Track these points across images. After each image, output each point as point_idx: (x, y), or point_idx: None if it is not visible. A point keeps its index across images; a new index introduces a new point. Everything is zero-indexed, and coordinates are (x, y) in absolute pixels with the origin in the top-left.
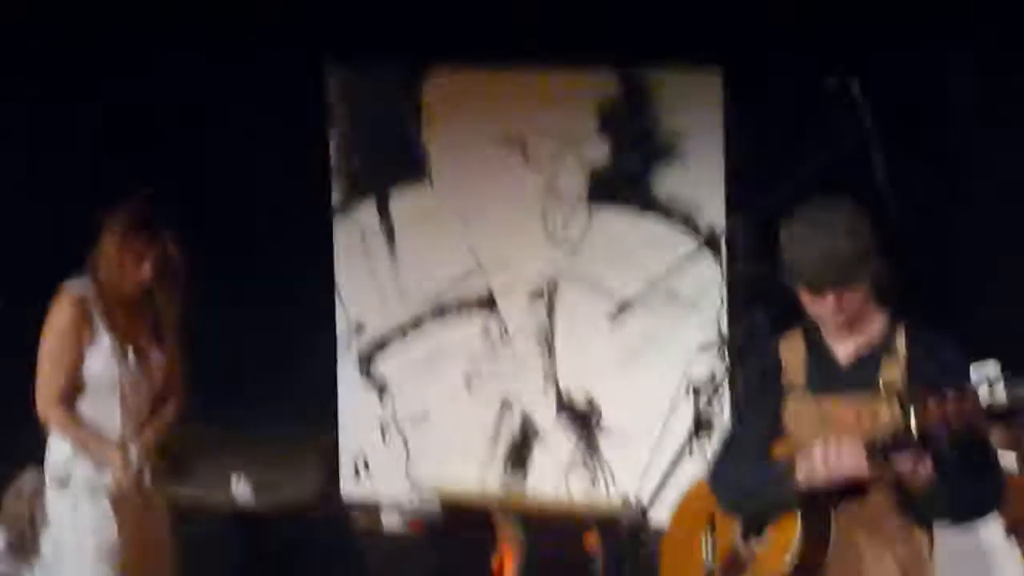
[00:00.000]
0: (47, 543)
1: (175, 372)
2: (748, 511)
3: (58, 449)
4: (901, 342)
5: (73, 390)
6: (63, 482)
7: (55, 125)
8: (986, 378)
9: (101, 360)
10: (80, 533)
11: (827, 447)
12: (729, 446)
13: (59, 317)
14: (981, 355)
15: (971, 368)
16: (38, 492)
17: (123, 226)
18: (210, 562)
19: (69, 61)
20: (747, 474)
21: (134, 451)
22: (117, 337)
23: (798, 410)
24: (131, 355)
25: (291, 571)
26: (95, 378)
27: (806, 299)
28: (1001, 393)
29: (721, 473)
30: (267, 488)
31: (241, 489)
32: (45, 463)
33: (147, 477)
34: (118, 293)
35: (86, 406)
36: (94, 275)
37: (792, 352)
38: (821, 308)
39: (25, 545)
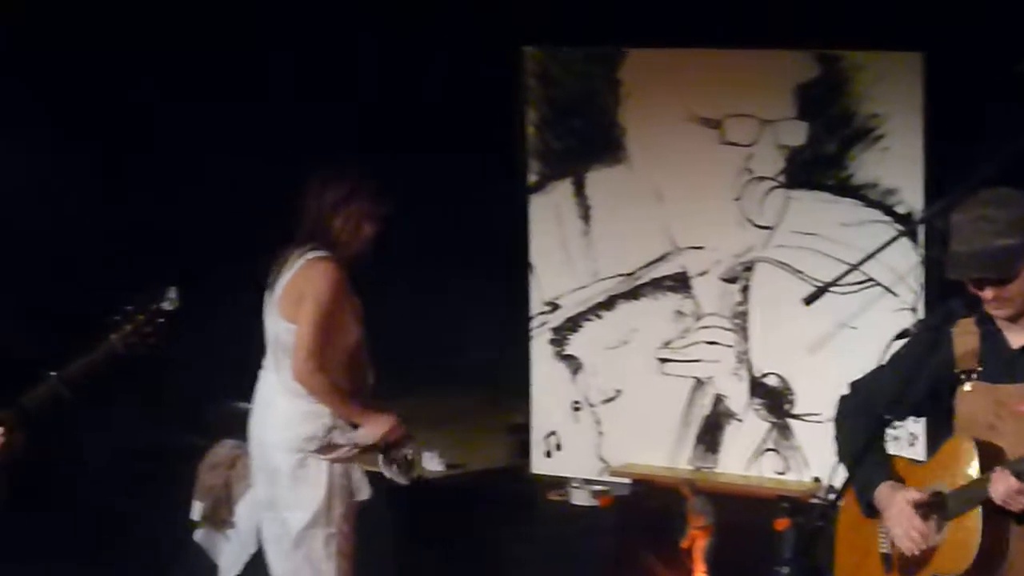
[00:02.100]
0: (249, 514)
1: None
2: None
3: (313, 414)
4: None
5: (335, 358)
6: (328, 449)
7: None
8: None
9: (357, 327)
10: (330, 496)
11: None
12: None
13: (327, 281)
14: None
15: None
16: (232, 463)
17: (355, 193)
18: (401, 536)
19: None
20: None
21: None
22: (360, 302)
23: (971, 396)
24: (362, 323)
25: (481, 546)
26: (353, 346)
27: (973, 290)
28: None
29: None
30: (458, 463)
31: (433, 464)
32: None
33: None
34: (352, 257)
35: (335, 374)
36: (331, 242)
37: (966, 339)
38: (984, 300)
39: (220, 515)
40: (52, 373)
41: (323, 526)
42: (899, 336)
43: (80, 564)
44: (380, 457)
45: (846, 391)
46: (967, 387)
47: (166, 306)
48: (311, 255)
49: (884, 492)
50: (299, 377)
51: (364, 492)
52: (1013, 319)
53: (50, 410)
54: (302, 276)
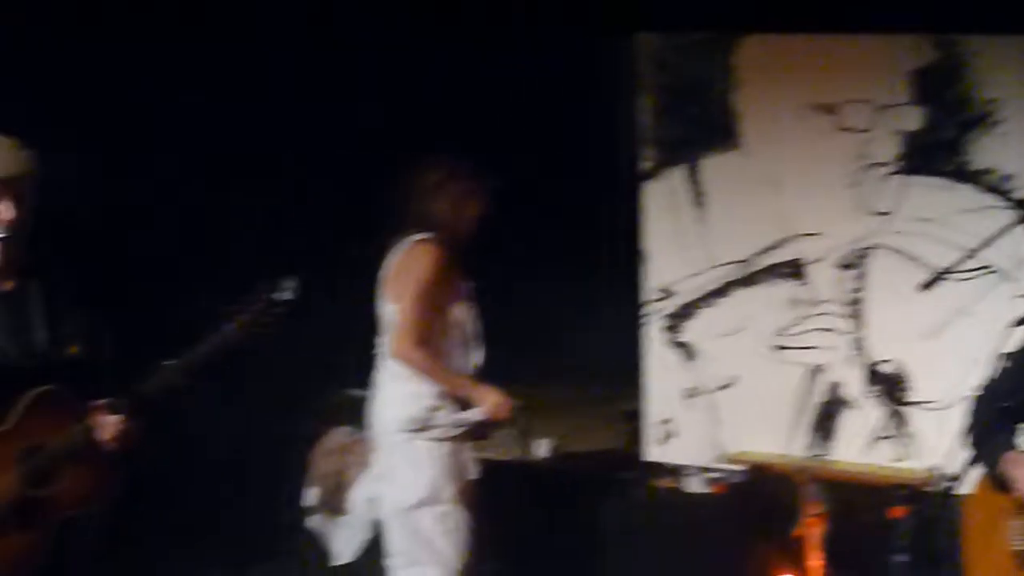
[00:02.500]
0: (366, 499)
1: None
2: None
3: (415, 394)
4: None
5: (437, 337)
6: (424, 428)
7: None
8: None
9: (463, 308)
10: (440, 475)
11: None
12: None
13: (430, 261)
14: None
15: None
16: (346, 450)
17: (453, 174)
18: (511, 523)
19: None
20: None
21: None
22: (468, 285)
23: None
24: (469, 304)
25: (595, 533)
26: (460, 327)
27: None
28: None
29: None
30: (572, 451)
31: (544, 451)
32: (372, 419)
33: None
34: (459, 240)
35: (446, 352)
36: (437, 223)
37: None
38: None
39: (334, 501)
40: (169, 362)
41: (434, 504)
42: (1018, 323)
43: (194, 551)
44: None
45: (974, 396)
46: None
47: (284, 296)
48: (415, 237)
49: (1011, 456)
50: (398, 353)
51: (473, 471)
52: None
53: (167, 399)
54: (405, 258)
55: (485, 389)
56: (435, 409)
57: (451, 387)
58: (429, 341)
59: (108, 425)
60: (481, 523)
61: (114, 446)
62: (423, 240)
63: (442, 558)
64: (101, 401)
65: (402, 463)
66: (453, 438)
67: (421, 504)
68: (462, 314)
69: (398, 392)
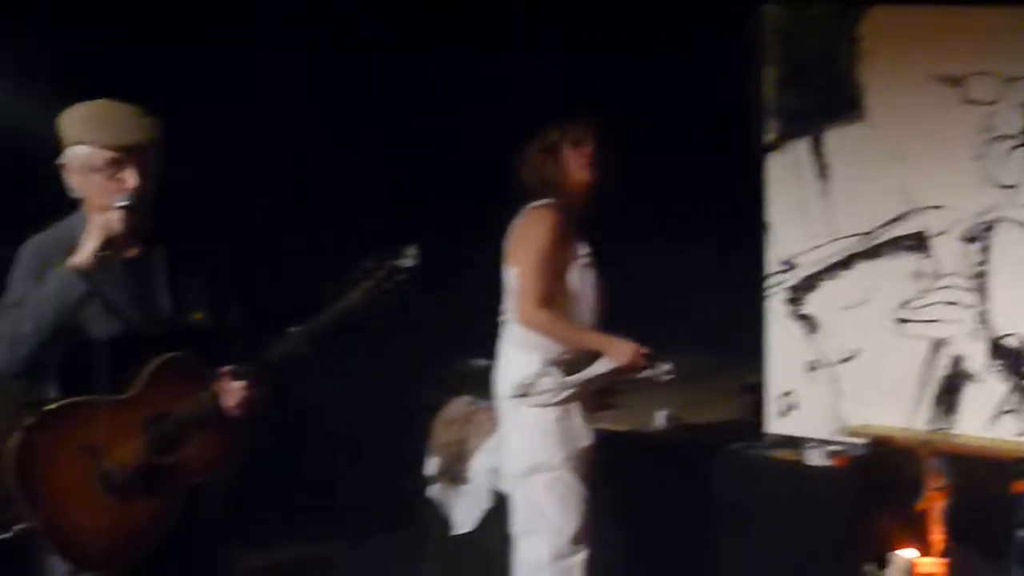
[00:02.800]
0: (487, 469)
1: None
2: None
3: (524, 361)
4: None
5: (557, 300)
6: (530, 394)
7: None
8: None
9: (580, 272)
10: (549, 441)
11: None
12: None
13: (546, 226)
14: None
15: None
16: (467, 419)
17: (574, 137)
18: (629, 493)
19: None
20: None
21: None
22: (588, 249)
23: None
24: (591, 269)
25: (711, 504)
26: (577, 291)
27: None
28: None
29: None
30: (691, 423)
31: (665, 422)
32: (496, 387)
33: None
34: (578, 205)
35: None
36: (555, 189)
37: None
38: None
39: (454, 471)
40: (293, 328)
41: (544, 471)
42: None
43: (315, 519)
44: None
45: None
46: None
47: (406, 263)
48: (533, 204)
49: None
50: (521, 317)
51: (586, 438)
52: None
53: (291, 365)
54: (523, 223)
55: (613, 339)
56: (543, 375)
57: (578, 342)
58: (550, 304)
59: (233, 391)
60: (597, 491)
61: (239, 412)
62: (541, 205)
63: (554, 526)
64: (227, 367)
65: (513, 430)
66: (565, 401)
67: (531, 471)
68: (582, 279)
69: (512, 359)
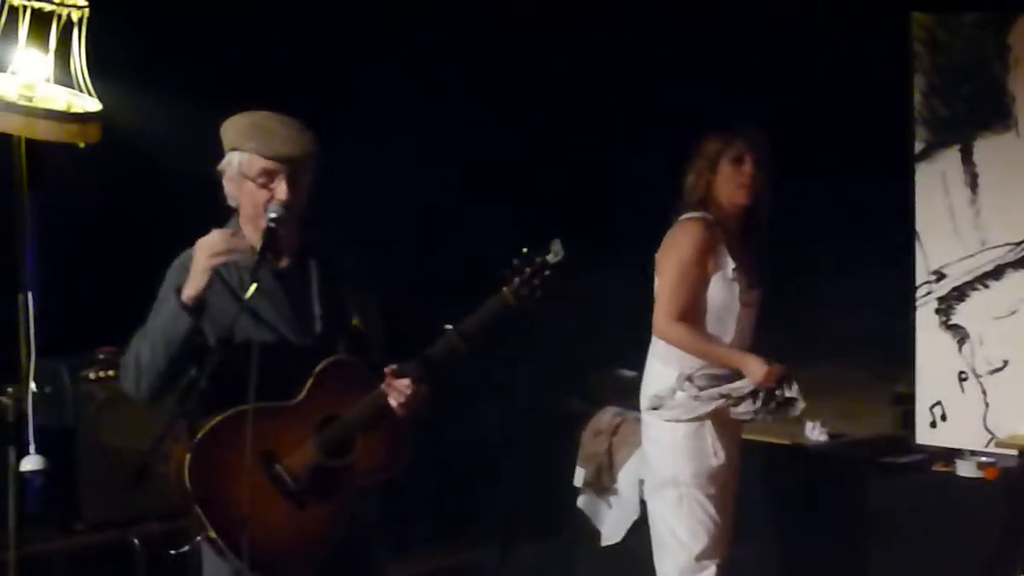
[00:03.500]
0: (634, 480)
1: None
2: None
3: (661, 374)
4: None
5: (695, 313)
6: (664, 407)
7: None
8: None
9: (724, 286)
10: (679, 456)
11: None
12: None
13: (691, 239)
14: None
15: None
16: (615, 430)
17: (735, 154)
18: (782, 504)
19: None
20: None
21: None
22: (736, 263)
23: None
24: (745, 283)
25: (866, 516)
26: (716, 304)
27: None
28: None
29: None
30: (842, 433)
31: (816, 433)
32: (642, 397)
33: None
34: (733, 220)
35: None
36: (707, 202)
37: None
38: None
39: (602, 481)
40: (449, 327)
41: (673, 486)
42: None
43: (465, 527)
44: (759, 403)
45: None
46: None
47: (551, 258)
48: (684, 216)
49: None
50: (656, 329)
51: (717, 457)
52: None
53: (449, 364)
54: (671, 235)
55: (750, 357)
56: (677, 389)
57: (713, 356)
58: (690, 318)
59: (399, 390)
60: (734, 508)
61: (405, 412)
62: (689, 218)
63: (681, 542)
64: (391, 366)
65: (649, 443)
66: (699, 418)
67: (662, 486)
68: (728, 295)
69: (652, 371)
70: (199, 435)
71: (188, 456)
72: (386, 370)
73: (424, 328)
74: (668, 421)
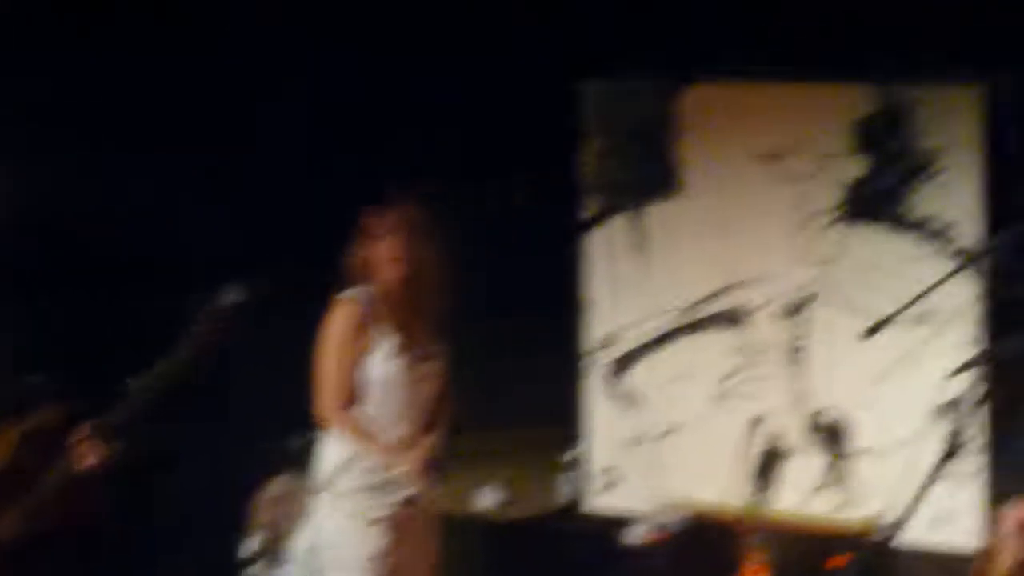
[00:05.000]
0: (306, 550)
1: (447, 376)
2: None
3: (331, 453)
4: None
5: (354, 395)
6: (335, 487)
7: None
8: None
9: (383, 363)
10: (349, 538)
11: None
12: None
13: (338, 321)
14: None
15: None
16: (289, 498)
17: (391, 227)
18: (454, 570)
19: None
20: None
21: (416, 454)
22: (397, 339)
23: None
24: (411, 358)
25: None
26: (377, 382)
27: None
28: None
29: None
30: (514, 498)
31: (489, 499)
32: (313, 468)
33: (426, 482)
34: (393, 294)
35: (367, 411)
36: (367, 278)
37: None
38: None
39: (276, 550)
40: (132, 381)
41: (338, 566)
42: (959, 370)
43: None
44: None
45: None
46: None
47: (227, 301)
48: (338, 296)
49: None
50: (317, 416)
51: (378, 537)
52: None
53: (136, 421)
54: (326, 316)
55: (398, 452)
56: (344, 468)
57: (364, 449)
58: (349, 400)
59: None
60: None
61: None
62: (339, 299)
63: None
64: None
65: (318, 517)
66: (362, 495)
67: (330, 563)
68: (392, 370)
69: (323, 445)
70: None
71: None
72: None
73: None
74: (338, 497)
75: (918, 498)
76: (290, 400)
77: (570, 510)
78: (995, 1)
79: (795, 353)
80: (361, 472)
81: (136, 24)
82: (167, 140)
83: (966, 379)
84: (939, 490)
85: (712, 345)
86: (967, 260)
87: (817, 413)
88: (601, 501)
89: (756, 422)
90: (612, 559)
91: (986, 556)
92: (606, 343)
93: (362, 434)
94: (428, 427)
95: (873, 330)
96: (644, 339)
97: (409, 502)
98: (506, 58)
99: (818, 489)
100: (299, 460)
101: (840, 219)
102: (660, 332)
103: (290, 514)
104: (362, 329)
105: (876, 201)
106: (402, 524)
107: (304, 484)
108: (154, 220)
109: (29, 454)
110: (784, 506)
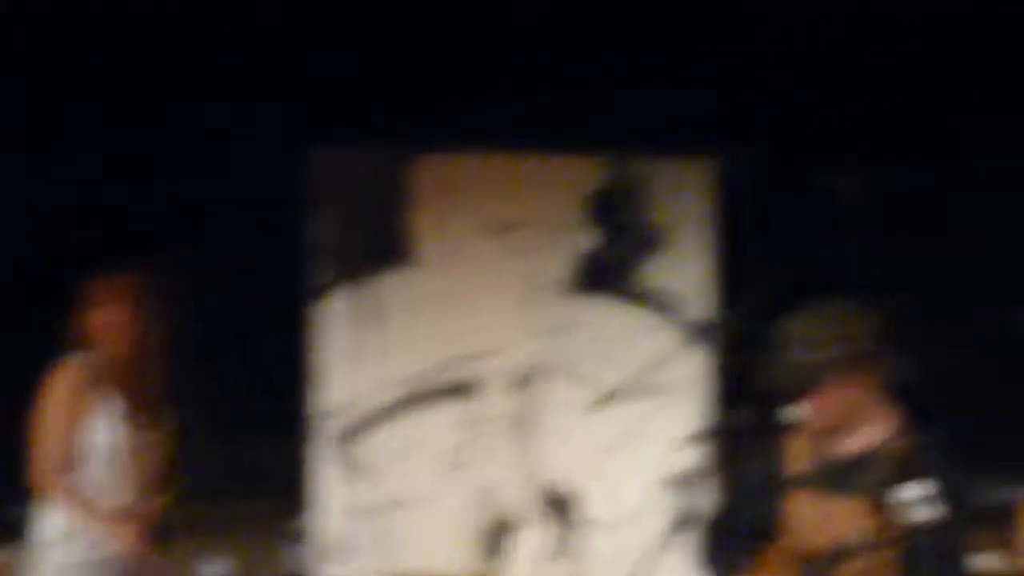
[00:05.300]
0: None
1: (172, 444)
2: None
3: (52, 522)
4: (897, 444)
5: (72, 462)
6: (56, 555)
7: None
8: (915, 497)
9: (105, 429)
10: None
11: None
12: (720, 539)
13: (55, 389)
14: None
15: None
16: (7, 572)
17: (116, 294)
18: None
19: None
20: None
21: (137, 524)
22: (120, 405)
23: (798, 506)
24: (132, 424)
25: None
26: (95, 449)
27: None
28: (924, 512)
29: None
30: (239, 569)
31: (214, 570)
32: (34, 536)
33: (149, 550)
34: (112, 362)
35: (86, 478)
36: (86, 345)
37: (795, 447)
38: (807, 409)
39: None
40: None
41: None
42: (687, 442)
43: None
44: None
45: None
46: (792, 497)
47: None
48: (59, 361)
49: None
50: (33, 483)
51: None
52: (839, 428)
53: None
54: (44, 384)
55: (118, 520)
56: (66, 537)
57: (82, 516)
58: (62, 466)
59: None
60: None
61: None
62: (58, 364)
63: None
64: None
65: None
66: (82, 570)
67: None
68: (114, 437)
69: (44, 514)
70: None
71: None
72: None
73: None
74: (59, 571)
75: (647, 570)
76: (8, 469)
77: None
78: (727, 77)
79: (525, 425)
80: (82, 547)
81: None
82: None
83: (694, 452)
84: (670, 561)
85: (442, 416)
86: (696, 333)
87: (547, 484)
88: (330, 572)
89: (485, 494)
90: None
91: None
92: (335, 412)
93: (79, 501)
94: (151, 496)
95: (602, 401)
96: (374, 409)
97: (125, 568)
98: (236, 120)
99: (548, 561)
100: (18, 531)
101: (571, 291)
102: (390, 403)
103: None
104: (82, 394)
105: (606, 273)
106: None
107: (23, 556)
108: None
109: None
110: None
